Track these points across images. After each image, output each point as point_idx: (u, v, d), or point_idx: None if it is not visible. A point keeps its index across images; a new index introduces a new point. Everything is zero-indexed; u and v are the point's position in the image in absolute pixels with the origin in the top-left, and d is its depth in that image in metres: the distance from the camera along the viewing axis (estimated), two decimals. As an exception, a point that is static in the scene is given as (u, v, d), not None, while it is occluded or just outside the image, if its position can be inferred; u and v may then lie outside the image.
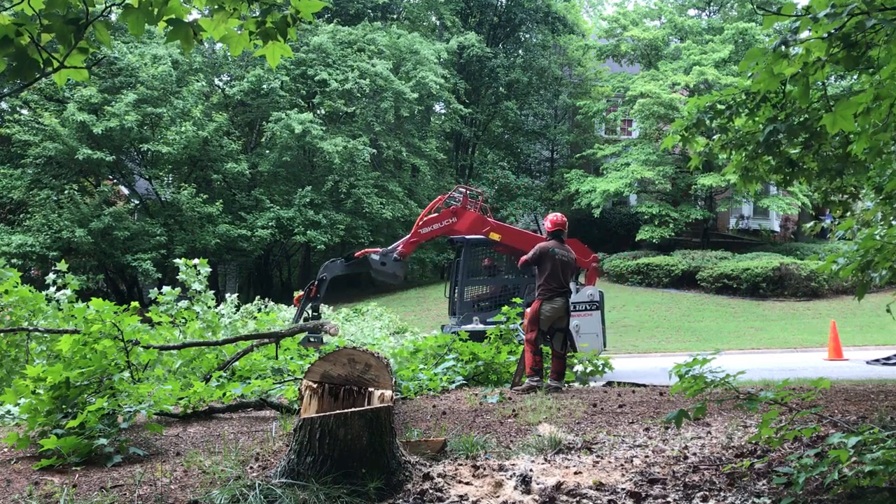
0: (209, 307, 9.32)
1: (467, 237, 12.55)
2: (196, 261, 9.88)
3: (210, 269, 10.15)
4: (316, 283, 12.38)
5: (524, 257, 7.96)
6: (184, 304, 8.98)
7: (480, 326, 11.41)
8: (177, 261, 10.14)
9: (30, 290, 7.63)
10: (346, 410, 3.72)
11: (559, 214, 8.18)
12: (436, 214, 12.58)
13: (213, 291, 9.83)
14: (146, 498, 3.69)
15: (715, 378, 3.80)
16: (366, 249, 12.99)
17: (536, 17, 33.38)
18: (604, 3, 46.67)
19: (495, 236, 12.32)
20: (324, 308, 14.05)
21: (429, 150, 29.91)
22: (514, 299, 10.17)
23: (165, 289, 9.07)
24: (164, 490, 3.78)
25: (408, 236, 12.66)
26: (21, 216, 23.28)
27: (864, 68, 4.64)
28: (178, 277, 9.99)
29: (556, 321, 7.65)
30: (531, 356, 7.50)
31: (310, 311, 11.79)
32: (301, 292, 12.37)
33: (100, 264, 24.24)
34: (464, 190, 12.97)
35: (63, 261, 8.89)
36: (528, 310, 7.94)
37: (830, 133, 4.31)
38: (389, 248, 12.62)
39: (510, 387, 7.59)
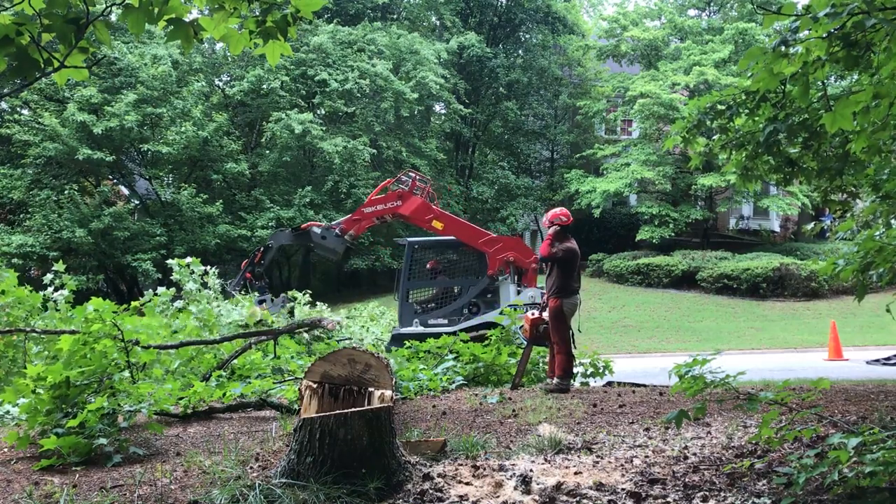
0: (206, 301, 9.35)
1: (409, 239, 12.62)
2: (188, 259, 9.92)
3: (208, 269, 10.22)
4: (262, 249, 12.79)
5: (552, 252, 7.59)
6: (179, 304, 9.02)
7: (420, 329, 11.40)
8: (169, 261, 10.20)
9: (29, 291, 7.63)
10: (346, 410, 3.72)
11: (565, 209, 8.16)
12: (382, 196, 12.67)
13: (211, 292, 9.86)
14: (146, 498, 3.69)
15: (715, 378, 3.79)
16: (311, 223, 13.18)
17: (536, 17, 33.37)
18: (604, 3, 46.68)
19: (438, 225, 12.31)
20: (322, 306, 14.20)
21: (429, 150, 29.90)
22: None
23: (160, 289, 9.13)
24: (164, 490, 3.78)
25: (351, 214, 12.85)
26: (21, 216, 23.27)
27: (863, 68, 4.64)
28: (171, 277, 10.04)
29: (570, 317, 7.61)
30: (564, 357, 7.35)
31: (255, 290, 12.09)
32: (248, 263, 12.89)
33: (100, 264, 24.24)
34: (413, 175, 13.01)
35: (60, 261, 8.89)
36: (531, 313, 7.87)
37: (830, 132, 4.31)
38: (332, 223, 12.78)
39: (510, 387, 7.58)
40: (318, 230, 12.64)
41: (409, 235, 13.66)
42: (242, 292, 12.19)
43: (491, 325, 11.47)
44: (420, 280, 12.61)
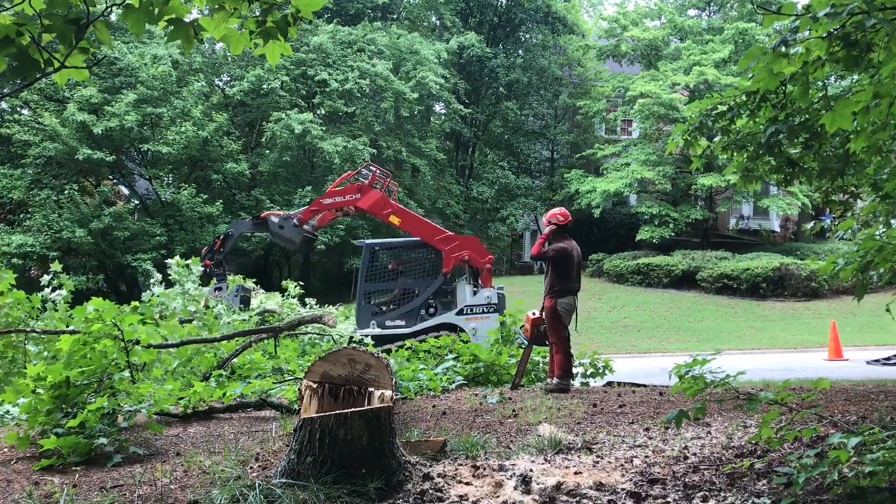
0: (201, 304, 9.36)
1: (367, 242, 12.74)
2: (189, 260, 9.94)
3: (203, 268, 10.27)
4: (222, 237, 12.98)
5: (542, 252, 7.58)
6: (178, 304, 9.02)
7: (377, 331, 11.36)
8: (168, 261, 10.23)
9: (27, 293, 7.62)
10: (346, 410, 3.72)
11: (563, 208, 8.11)
12: (342, 188, 12.76)
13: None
14: (146, 498, 3.69)
15: (715, 378, 3.79)
16: (270, 212, 13.36)
17: (536, 17, 33.38)
18: (604, 3, 46.71)
19: (395, 220, 12.36)
20: (311, 302, 14.30)
21: (429, 150, 29.91)
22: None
23: (158, 289, 9.14)
24: (164, 490, 3.78)
25: (309, 204, 12.99)
26: (21, 216, 23.29)
27: (863, 68, 4.64)
28: (169, 277, 10.05)
29: (567, 317, 7.58)
30: (563, 357, 7.33)
31: (213, 268, 12.40)
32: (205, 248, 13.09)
33: (100, 264, 24.26)
34: (374, 168, 13.11)
35: (58, 261, 8.90)
36: (532, 313, 7.85)
37: (829, 132, 4.31)
38: (291, 213, 12.93)
39: (510, 387, 7.58)
40: (276, 219, 12.80)
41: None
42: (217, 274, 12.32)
43: (448, 326, 11.46)
44: (378, 282, 12.57)
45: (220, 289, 12.03)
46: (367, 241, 12.89)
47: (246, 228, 13.71)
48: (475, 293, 11.83)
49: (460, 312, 11.66)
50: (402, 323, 11.78)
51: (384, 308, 12.20)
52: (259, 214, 13.57)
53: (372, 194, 12.35)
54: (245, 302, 11.85)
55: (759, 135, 6.08)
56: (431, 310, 11.94)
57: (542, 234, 7.77)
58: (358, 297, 12.29)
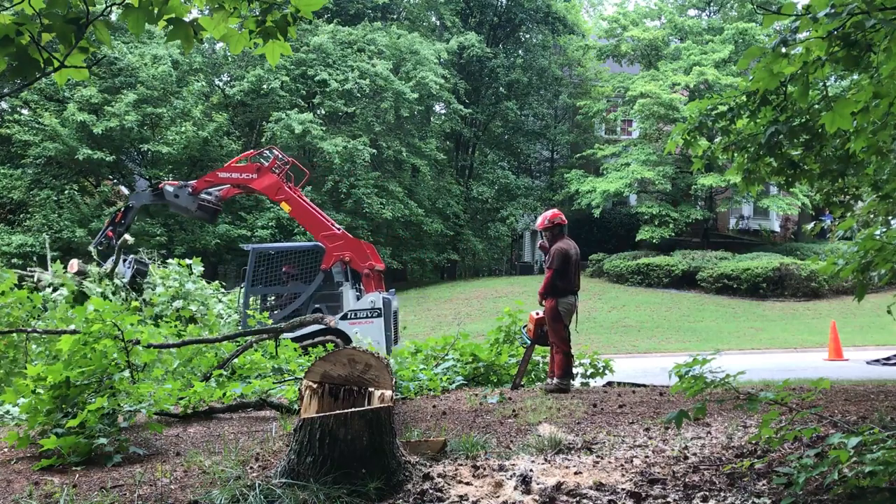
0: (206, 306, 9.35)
1: (254, 246, 12.87)
2: (189, 260, 9.93)
3: (203, 268, 10.24)
4: (123, 209, 13.07)
5: (554, 267, 7.44)
6: (179, 303, 9.01)
7: None
8: (169, 260, 10.21)
9: (29, 292, 7.63)
10: (346, 410, 3.72)
11: (555, 209, 8.04)
12: (242, 165, 12.85)
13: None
14: (146, 498, 3.69)
15: (715, 378, 3.79)
16: (166, 181, 13.45)
17: (536, 17, 33.38)
18: (604, 3, 46.72)
19: (286, 207, 12.43)
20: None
21: (429, 150, 29.90)
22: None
23: (159, 289, 9.12)
24: (164, 490, 3.78)
25: (205, 175, 13.15)
26: (21, 216, 23.29)
27: (863, 68, 4.64)
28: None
29: (568, 317, 7.55)
30: (563, 357, 7.32)
31: (115, 241, 12.24)
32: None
33: (99, 265, 24.23)
34: (276, 153, 13.20)
35: (58, 262, 8.91)
36: (536, 313, 7.83)
37: (830, 132, 4.31)
38: (187, 182, 13.09)
39: (511, 387, 7.58)
40: (171, 188, 12.84)
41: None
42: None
43: (333, 331, 11.41)
44: (266, 286, 12.45)
45: (124, 260, 12.00)
46: (254, 246, 12.95)
47: (146, 199, 13.81)
48: (358, 298, 11.80)
49: (344, 317, 11.61)
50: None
51: (272, 312, 12.10)
52: (157, 185, 13.64)
53: (268, 177, 12.42)
54: (141, 275, 11.57)
55: (760, 135, 6.07)
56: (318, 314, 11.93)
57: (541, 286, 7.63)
58: (243, 301, 12.23)
